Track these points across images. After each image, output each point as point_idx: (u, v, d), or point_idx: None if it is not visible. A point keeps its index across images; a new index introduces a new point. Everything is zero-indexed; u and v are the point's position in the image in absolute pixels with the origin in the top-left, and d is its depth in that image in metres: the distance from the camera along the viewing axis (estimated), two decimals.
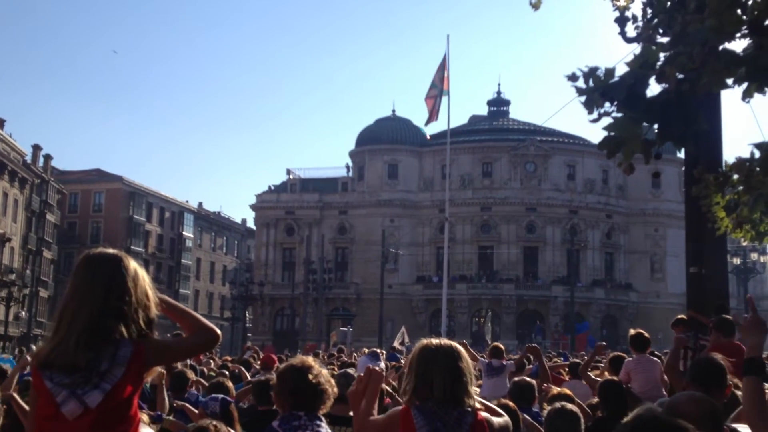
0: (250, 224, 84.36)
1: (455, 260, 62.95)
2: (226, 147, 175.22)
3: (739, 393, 4.95)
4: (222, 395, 6.64)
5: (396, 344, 28.37)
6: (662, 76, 3.32)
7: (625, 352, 11.20)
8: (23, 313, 60.05)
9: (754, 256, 45.54)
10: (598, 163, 67.94)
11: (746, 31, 3.27)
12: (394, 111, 74.50)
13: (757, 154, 4.52)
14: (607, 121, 3.44)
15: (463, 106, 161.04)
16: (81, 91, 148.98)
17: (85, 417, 2.77)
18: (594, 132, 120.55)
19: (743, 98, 3.40)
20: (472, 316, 66.79)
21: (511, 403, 5.51)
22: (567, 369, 11.65)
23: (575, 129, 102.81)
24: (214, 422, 4.41)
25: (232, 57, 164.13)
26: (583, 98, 3.41)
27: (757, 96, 3.39)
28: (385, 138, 70.87)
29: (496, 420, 3.62)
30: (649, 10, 4.30)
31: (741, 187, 5.30)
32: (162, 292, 3.17)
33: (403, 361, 15.49)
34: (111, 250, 3.04)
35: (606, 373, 10.13)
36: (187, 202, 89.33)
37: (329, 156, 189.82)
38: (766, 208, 5.33)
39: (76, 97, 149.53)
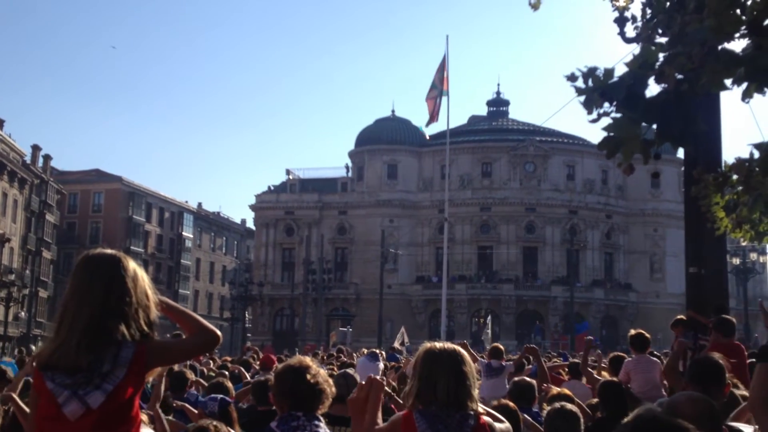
0: (250, 224, 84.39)
1: (454, 260, 62.95)
2: (226, 147, 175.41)
3: (738, 393, 4.95)
4: (221, 395, 6.64)
5: (396, 344, 28.38)
6: (661, 77, 3.32)
7: (624, 352, 11.19)
8: (23, 313, 60.04)
9: (753, 256, 45.50)
10: (597, 164, 67.95)
11: (745, 31, 3.26)
12: (393, 111, 74.56)
13: (757, 155, 4.53)
14: (606, 121, 3.44)
15: (463, 107, 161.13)
16: (80, 91, 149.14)
17: (86, 417, 2.77)
18: (593, 132, 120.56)
19: (743, 98, 3.40)
20: (471, 316, 66.75)
21: (511, 404, 5.52)
22: (566, 369, 11.65)
23: (575, 129, 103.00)
24: (215, 422, 4.41)
25: (232, 57, 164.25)
26: (582, 98, 3.41)
27: (756, 96, 3.39)
28: (385, 138, 70.88)
29: (498, 426, 3.62)
30: (648, 11, 4.31)
31: (740, 188, 5.31)
32: (161, 292, 3.17)
33: (402, 362, 15.51)
34: (110, 251, 3.04)
35: (604, 373, 10.14)
36: (186, 202, 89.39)
37: (329, 156, 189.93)
38: (766, 208, 5.33)
39: (76, 97, 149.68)
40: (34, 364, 3.02)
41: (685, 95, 3.31)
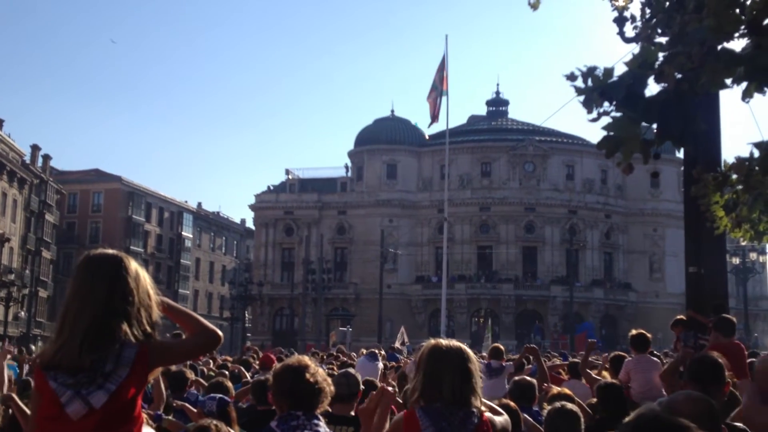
0: (249, 224, 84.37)
1: (454, 260, 62.94)
2: (226, 147, 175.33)
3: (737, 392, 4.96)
4: (219, 395, 6.63)
5: (397, 344, 28.41)
6: (661, 76, 3.33)
7: (625, 352, 11.20)
8: (22, 313, 60.04)
9: (753, 255, 45.50)
10: (597, 163, 67.94)
11: (745, 31, 3.27)
12: (393, 111, 74.56)
13: (756, 154, 4.53)
14: (606, 120, 3.44)
15: (462, 106, 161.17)
16: (80, 90, 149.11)
17: (89, 417, 2.77)
18: (593, 132, 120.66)
19: (743, 98, 3.40)
20: (471, 316, 66.74)
21: (512, 403, 5.52)
22: (566, 369, 11.65)
23: (574, 129, 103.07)
24: (215, 422, 4.41)
25: (232, 57, 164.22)
26: (582, 98, 3.41)
27: (756, 96, 3.39)
28: (384, 138, 70.86)
29: (497, 419, 3.64)
30: (648, 10, 4.31)
31: (740, 187, 5.31)
32: (161, 292, 3.17)
33: (402, 362, 15.52)
34: (111, 251, 3.04)
35: (604, 372, 10.15)
36: (186, 202, 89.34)
37: (328, 156, 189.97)
38: (765, 208, 5.33)
39: (75, 96, 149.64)
40: (30, 363, 3.02)
41: (684, 95, 3.31)
